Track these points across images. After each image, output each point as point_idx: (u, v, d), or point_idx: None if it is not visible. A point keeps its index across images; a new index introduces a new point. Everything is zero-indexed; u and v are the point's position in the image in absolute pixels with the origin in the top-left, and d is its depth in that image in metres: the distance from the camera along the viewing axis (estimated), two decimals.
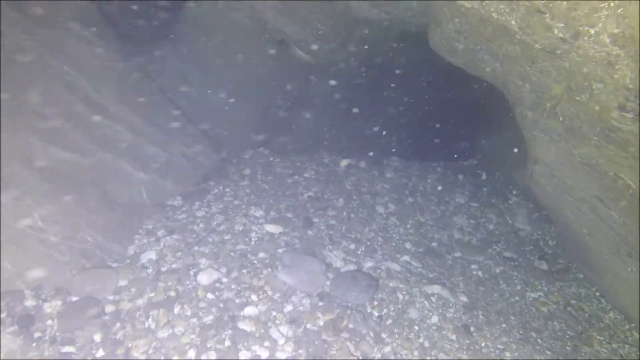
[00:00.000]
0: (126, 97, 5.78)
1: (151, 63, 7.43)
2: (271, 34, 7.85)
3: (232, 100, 8.14)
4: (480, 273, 5.97)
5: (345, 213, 6.21)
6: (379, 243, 5.77)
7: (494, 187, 8.30)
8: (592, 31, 3.47)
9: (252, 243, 5.04)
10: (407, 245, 6.01)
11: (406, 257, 5.55)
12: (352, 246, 5.49)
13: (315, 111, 9.79)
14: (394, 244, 5.91)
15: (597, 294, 5.85)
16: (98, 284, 4.00)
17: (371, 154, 9.07)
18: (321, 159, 8.07)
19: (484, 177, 8.67)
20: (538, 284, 5.99)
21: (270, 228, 5.32)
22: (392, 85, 10.58)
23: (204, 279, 4.33)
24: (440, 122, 10.25)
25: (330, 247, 5.32)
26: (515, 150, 8.78)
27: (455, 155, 9.58)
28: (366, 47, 9.89)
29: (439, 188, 7.86)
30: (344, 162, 7.90)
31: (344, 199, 6.63)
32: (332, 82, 10.27)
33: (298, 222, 5.71)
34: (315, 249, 5.17)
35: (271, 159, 7.74)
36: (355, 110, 10.65)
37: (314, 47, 8.19)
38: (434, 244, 6.40)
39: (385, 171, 7.98)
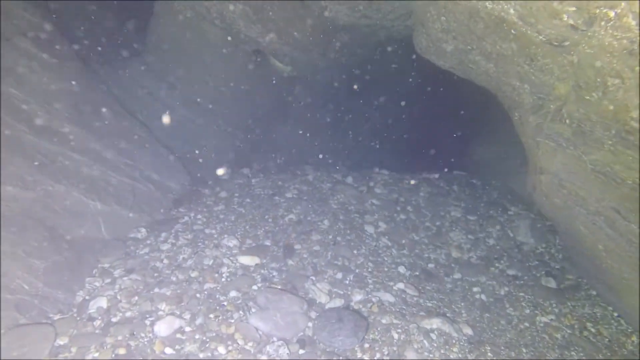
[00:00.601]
0: (82, 118, 5.07)
1: (113, 80, 6.74)
2: (245, 44, 7.17)
3: (207, 117, 7.45)
4: (483, 297, 5.26)
5: (330, 236, 5.49)
6: (369, 269, 5.05)
7: (492, 197, 7.60)
8: (612, 13, 2.79)
9: (223, 280, 4.31)
10: (401, 270, 5.29)
11: (400, 285, 4.83)
12: (339, 275, 4.76)
13: (298, 125, 9.13)
14: (386, 269, 5.19)
15: (615, 314, 5.14)
16: (30, 345, 3.25)
17: (359, 168, 8.39)
18: (305, 175, 7.36)
19: (479, 187, 7.98)
20: (548, 305, 5.27)
21: (245, 260, 4.60)
22: (378, 94, 9.92)
23: (162, 329, 3.59)
24: (431, 130, 9.59)
25: (314, 278, 4.60)
26: (507, 157, 8.12)
27: (448, 165, 8.89)
28: (348, 55, 9.23)
29: (433, 202, 7.16)
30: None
31: (329, 220, 5.91)
32: (315, 94, 9.60)
33: (277, 250, 4.99)
34: (296, 282, 4.44)
35: (251, 178, 7.03)
36: (340, 122, 9.96)
37: (292, 56, 7.51)
38: (430, 265, 5.68)
39: (374, 186, 7.27)
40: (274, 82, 8.51)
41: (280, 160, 8.61)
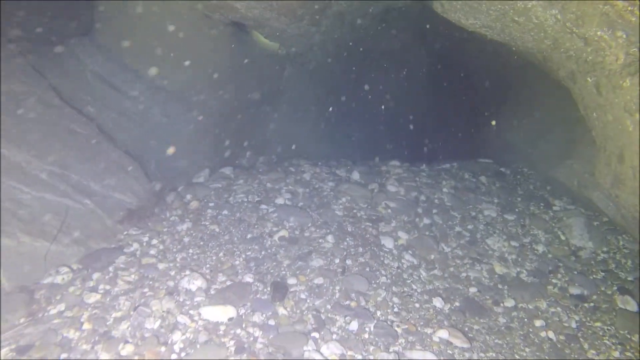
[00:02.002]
0: None
1: (53, 64, 5.01)
2: (219, 13, 5.40)
3: (176, 107, 5.71)
4: (551, 334, 3.64)
5: (337, 260, 3.80)
6: (395, 309, 3.38)
7: (528, 189, 5.90)
8: None
9: (173, 357, 2.59)
10: (437, 303, 3.62)
11: (442, 333, 3.18)
12: (354, 326, 3.10)
13: (290, 113, 7.39)
14: (417, 305, 3.53)
15: None
16: None
17: (365, 160, 6.66)
18: (300, 173, 5.64)
19: (510, 177, 6.26)
20: (636, 343, 3.63)
21: (213, 313, 2.92)
22: (385, 73, 8.17)
23: None
24: (448, 113, 7.86)
25: (317, 335, 2.92)
26: (543, 141, 6.41)
27: (470, 152, 7.16)
28: (346, 27, 7.46)
29: (460, 199, 5.44)
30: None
31: (334, 234, 4.22)
32: (309, 76, 7.85)
33: (263, 290, 3.30)
34: (290, 345, 2.77)
35: (233, 180, 5.30)
36: (340, 108, 8.21)
37: (278, 28, 5.74)
38: (472, 290, 4.02)
39: (386, 183, 5.55)
40: (261, 63, 6.77)
41: (269, 154, 6.88)
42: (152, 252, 3.65)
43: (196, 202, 4.61)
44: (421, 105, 8.01)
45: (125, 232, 3.97)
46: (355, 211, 4.83)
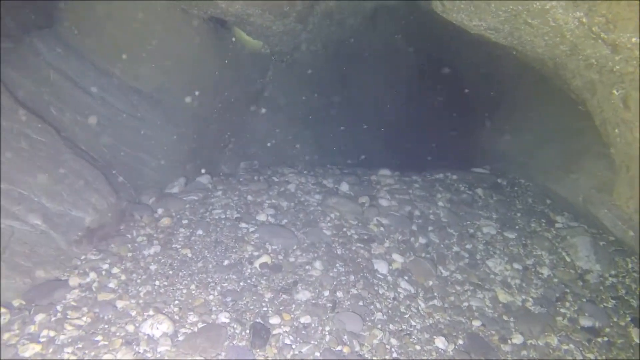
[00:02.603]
0: None
1: (10, 60, 4.41)
2: (198, 8, 4.82)
3: (150, 110, 5.13)
4: None
5: (327, 292, 3.28)
6: (394, 355, 2.85)
7: (527, 203, 5.45)
8: None
9: None
10: (440, 344, 3.14)
11: None
12: None
13: (274, 117, 6.83)
14: (418, 347, 3.02)
15: None
16: None
17: (354, 169, 6.13)
18: (284, 184, 5.09)
19: (507, 189, 5.80)
20: None
21: None
22: (375, 77, 7.64)
23: None
24: (439, 118, 7.36)
25: None
26: (541, 150, 5.95)
27: (463, 161, 6.69)
28: (335, 26, 6.92)
29: (456, 214, 4.95)
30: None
31: (322, 259, 3.68)
32: (294, 77, 7.29)
33: (240, 334, 2.76)
34: None
35: (211, 192, 4.73)
36: (327, 112, 7.66)
37: (263, 25, 5.18)
38: (475, 323, 3.54)
39: (378, 195, 5.04)
40: (243, 62, 6.21)
41: (252, 160, 6.31)
42: (112, 284, 3.07)
43: (168, 218, 4.02)
44: (412, 109, 7.51)
45: (82, 257, 3.38)
46: (345, 229, 4.30)
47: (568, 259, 4.54)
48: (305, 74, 7.41)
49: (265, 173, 5.61)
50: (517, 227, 4.96)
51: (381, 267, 3.86)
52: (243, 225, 4.03)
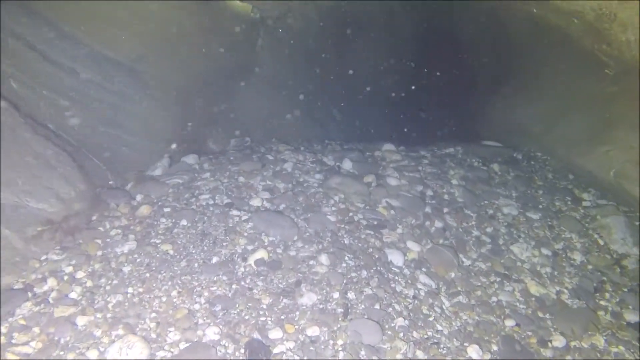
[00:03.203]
0: None
1: None
2: None
3: (128, 82, 4.45)
4: None
5: (336, 294, 2.67)
6: None
7: (547, 179, 4.86)
8: None
9: None
10: (473, 354, 2.54)
11: None
12: None
13: (266, 87, 6.14)
14: (448, 359, 2.40)
15: None
16: None
17: (356, 143, 5.50)
18: (280, 162, 4.45)
19: (524, 163, 5.20)
20: None
21: None
22: (375, 42, 6.93)
23: None
24: (447, 87, 6.70)
25: None
26: (561, 120, 5.33)
27: (474, 133, 6.07)
28: None
29: (473, 193, 4.35)
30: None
31: (328, 251, 3.09)
32: (288, 44, 6.57)
33: (233, 354, 2.14)
34: None
35: (198, 173, 4.09)
36: (325, 81, 6.97)
37: None
38: (509, 323, 2.97)
39: (385, 173, 4.42)
40: (228, 29, 5.50)
41: (243, 137, 5.64)
42: (74, 293, 2.44)
43: (147, 206, 3.38)
44: (415, 79, 6.83)
45: (42, 257, 2.75)
46: (351, 214, 3.68)
47: (601, 242, 3.97)
48: (298, 42, 6.70)
49: (258, 151, 4.96)
50: (540, 206, 4.38)
51: (396, 258, 3.26)
52: (234, 212, 3.40)
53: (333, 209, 3.68)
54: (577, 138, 4.95)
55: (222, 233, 3.12)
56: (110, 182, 3.99)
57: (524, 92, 5.87)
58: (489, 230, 3.97)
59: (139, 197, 3.64)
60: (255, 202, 3.62)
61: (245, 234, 3.14)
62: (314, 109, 6.59)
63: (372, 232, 3.48)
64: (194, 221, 3.23)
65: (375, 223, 3.63)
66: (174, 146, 4.88)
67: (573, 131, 5.03)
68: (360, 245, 3.30)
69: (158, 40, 4.62)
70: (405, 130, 6.23)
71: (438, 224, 3.84)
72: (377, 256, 3.23)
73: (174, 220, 3.25)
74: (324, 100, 6.92)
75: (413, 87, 6.52)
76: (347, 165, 4.55)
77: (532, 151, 5.54)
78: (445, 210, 4.08)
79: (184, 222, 3.21)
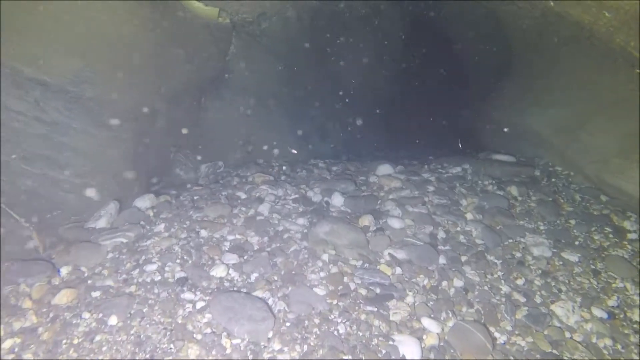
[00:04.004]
0: None
1: None
2: None
3: (68, 108, 3.43)
4: None
5: None
6: None
7: (578, 205, 3.93)
8: None
9: None
10: None
11: None
12: None
13: (240, 102, 5.13)
14: None
15: None
16: None
17: (345, 163, 4.51)
18: (253, 201, 3.45)
19: (544, 181, 4.24)
20: None
21: None
22: (363, 47, 5.90)
23: None
24: (443, 94, 5.70)
25: None
26: (583, 126, 4.37)
27: (479, 144, 5.10)
28: None
29: (492, 230, 3.36)
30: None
31: (316, 352, 2.04)
32: (262, 50, 5.53)
33: None
34: None
35: (150, 225, 3.09)
36: (305, 92, 5.93)
37: None
38: None
39: (384, 211, 3.44)
40: (192, 37, 4.47)
41: (214, 164, 4.62)
42: None
43: (70, 291, 2.37)
44: (409, 82, 5.81)
45: None
46: (346, 280, 2.68)
47: None
48: (276, 48, 5.66)
49: (229, 184, 3.94)
50: (576, 242, 3.41)
51: (410, 350, 2.27)
52: (187, 296, 2.38)
53: (322, 275, 2.67)
54: (606, 150, 3.99)
55: (166, 338, 2.10)
56: (33, 246, 2.96)
57: (537, 95, 4.89)
58: (520, 282, 2.99)
59: (64, 271, 2.62)
60: (218, 272, 2.60)
61: (199, 337, 2.12)
62: (296, 123, 5.56)
63: (375, 309, 2.48)
64: (128, 317, 2.21)
65: (378, 291, 2.63)
66: (128, 182, 3.85)
67: (601, 142, 4.06)
68: (360, 334, 2.29)
69: (103, 56, 3.58)
70: (401, 144, 5.22)
71: (457, 281, 2.85)
72: (384, 351, 2.22)
73: (100, 315, 2.23)
74: (308, 112, 5.89)
75: (407, 92, 5.50)
76: (337, 201, 3.54)
77: (550, 165, 4.58)
78: (464, 258, 3.10)
79: (112, 321, 2.18)
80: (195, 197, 3.62)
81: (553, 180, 4.33)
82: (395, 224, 3.26)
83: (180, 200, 3.60)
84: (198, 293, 2.40)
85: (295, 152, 4.87)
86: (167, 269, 2.61)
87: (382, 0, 6.58)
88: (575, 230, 3.55)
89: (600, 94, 4.15)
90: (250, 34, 5.36)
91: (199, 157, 4.92)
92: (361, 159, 4.70)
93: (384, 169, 4.27)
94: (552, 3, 3.95)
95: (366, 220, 3.26)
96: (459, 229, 3.40)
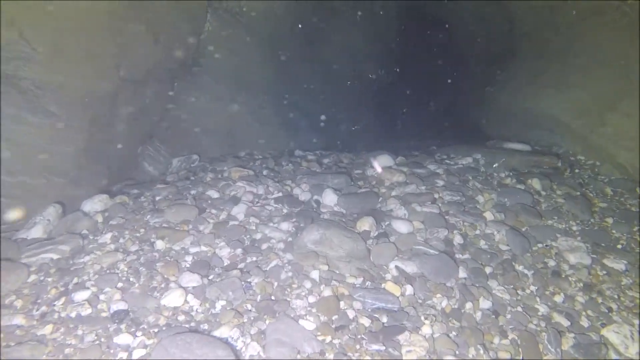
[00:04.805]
0: None
1: None
2: None
3: (4, 100, 2.60)
4: None
5: None
6: None
7: (611, 200, 3.25)
8: None
9: None
10: None
11: None
12: None
13: (217, 87, 4.39)
14: None
15: None
16: None
17: (338, 154, 3.77)
18: (227, 200, 2.72)
19: (569, 175, 3.55)
20: None
21: None
22: (351, 25, 5.15)
23: None
24: (446, 74, 4.98)
25: None
26: (611, 107, 3.67)
27: (488, 130, 4.40)
28: None
29: (518, 232, 2.64)
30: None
31: (310, 341, 1.33)
32: (243, 29, 4.77)
33: None
34: None
35: (95, 234, 2.34)
36: (292, 75, 5.18)
37: None
38: None
39: (387, 211, 2.72)
40: (157, 10, 3.69)
41: (188, 157, 3.87)
42: None
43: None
44: (407, 70, 5.07)
45: None
46: (344, 307, 1.96)
47: None
48: (259, 26, 4.90)
49: (202, 180, 3.19)
50: (618, 245, 2.72)
51: None
52: (122, 340, 1.65)
53: (311, 300, 1.95)
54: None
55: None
56: None
57: (553, 77, 4.18)
58: (559, 300, 2.29)
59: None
60: (172, 301, 1.87)
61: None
62: (282, 112, 4.81)
63: (383, 347, 1.77)
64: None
65: (385, 321, 1.91)
66: (84, 181, 3.11)
67: (637, 125, 3.35)
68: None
69: (45, 27, 2.82)
70: (399, 134, 4.49)
71: (484, 302, 2.15)
72: None
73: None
74: (295, 95, 5.14)
75: (406, 78, 4.77)
76: (329, 199, 2.81)
77: (571, 154, 3.87)
78: (488, 270, 2.39)
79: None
80: (157, 198, 2.87)
81: (577, 171, 3.64)
82: (401, 227, 2.54)
83: (140, 201, 2.85)
84: (139, 334, 1.67)
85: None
86: (102, 297, 1.87)
87: None
88: (614, 231, 2.86)
89: (634, 70, 3.44)
90: (228, 11, 4.60)
91: (170, 150, 4.18)
92: (357, 148, 3.97)
93: (383, 160, 3.54)
94: None
95: (366, 224, 2.53)
96: (478, 232, 2.69)
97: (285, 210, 2.70)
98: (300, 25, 5.37)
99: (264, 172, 3.35)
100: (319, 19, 5.60)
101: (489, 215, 2.84)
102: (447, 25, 5.69)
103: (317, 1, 5.53)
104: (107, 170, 3.42)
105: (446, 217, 2.77)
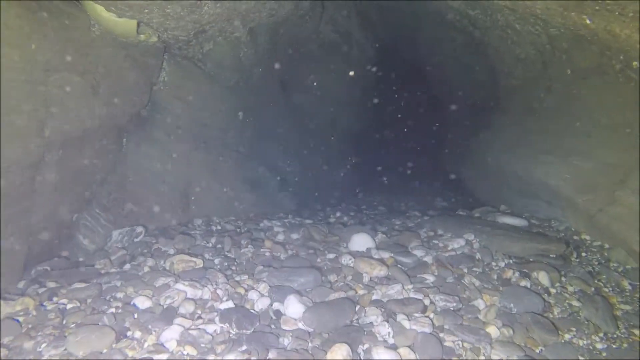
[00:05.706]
0: None
1: None
2: None
3: None
4: None
5: None
6: None
7: (632, 299, 2.53)
8: None
9: None
10: None
11: None
12: None
13: (174, 142, 3.69)
14: None
15: None
16: None
17: (302, 220, 3.09)
18: (167, 294, 1.93)
19: (577, 261, 2.91)
20: None
21: None
22: (327, 69, 4.57)
23: None
24: (422, 133, 4.41)
25: None
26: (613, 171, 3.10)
27: (479, 200, 3.80)
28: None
29: (520, 339, 1.94)
30: None
31: None
32: (206, 78, 4.12)
33: None
34: None
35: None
36: (258, 128, 4.52)
37: None
38: None
39: (367, 332, 1.96)
40: (105, 63, 2.98)
41: (131, 230, 3.14)
42: None
43: None
44: (387, 125, 4.49)
45: None
46: None
47: None
48: (224, 77, 4.26)
49: (138, 270, 2.45)
50: None
51: None
52: None
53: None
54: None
55: None
56: None
57: (549, 140, 3.62)
58: None
59: None
60: None
61: None
62: (247, 162, 4.13)
63: None
64: None
65: None
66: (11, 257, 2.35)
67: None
68: None
69: None
70: (378, 186, 3.86)
71: None
72: None
73: None
74: (264, 148, 4.47)
75: (385, 134, 4.17)
76: (293, 310, 2.11)
77: (574, 231, 3.27)
78: None
79: None
80: (68, 306, 2.11)
81: (584, 254, 3.03)
82: (385, 358, 1.83)
83: (45, 311, 2.08)
84: None
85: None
86: None
87: (352, 21, 5.32)
88: None
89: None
90: (188, 58, 3.94)
91: (113, 218, 3.44)
92: (328, 211, 3.29)
93: (360, 240, 2.87)
94: (587, 21, 2.70)
95: (338, 354, 1.82)
96: (482, 358, 2.00)
97: (232, 333, 1.97)
98: (269, 73, 4.77)
99: (216, 261, 2.63)
100: (292, 64, 5.02)
101: (493, 332, 2.16)
102: (426, 74, 5.19)
103: (290, 46, 4.96)
104: (27, 249, 2.67)
105: (441, 334, 2.08)
